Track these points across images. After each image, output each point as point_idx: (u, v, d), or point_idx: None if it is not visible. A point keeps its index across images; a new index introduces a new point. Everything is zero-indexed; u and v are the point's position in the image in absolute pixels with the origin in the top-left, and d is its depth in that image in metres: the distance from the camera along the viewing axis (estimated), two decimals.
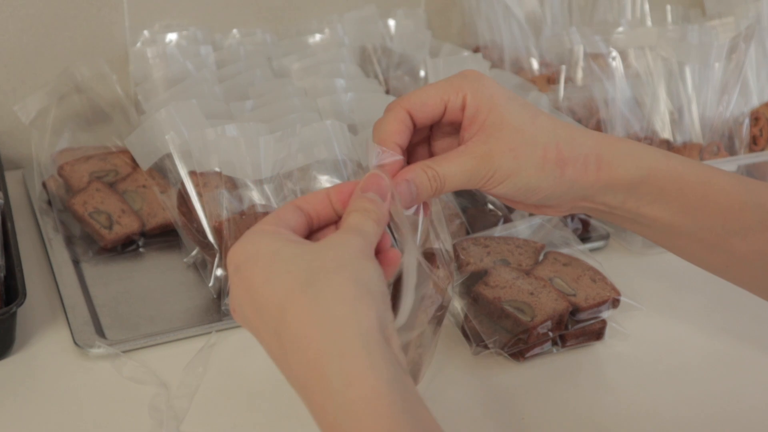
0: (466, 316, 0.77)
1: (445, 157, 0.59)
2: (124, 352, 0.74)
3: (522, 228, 0.88)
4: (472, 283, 0.79)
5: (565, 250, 0.85)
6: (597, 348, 0.78)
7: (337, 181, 0.85)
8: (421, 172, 0.58)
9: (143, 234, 0.92)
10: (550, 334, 0.75)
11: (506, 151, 0.58)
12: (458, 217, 0.90)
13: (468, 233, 0.90)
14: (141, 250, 0.91)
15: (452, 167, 0.58)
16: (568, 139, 0.60)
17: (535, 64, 1.19)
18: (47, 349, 0.75)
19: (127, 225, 0.90)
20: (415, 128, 0.60)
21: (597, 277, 0.81)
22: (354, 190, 0.55)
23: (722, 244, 0.61)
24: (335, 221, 0.56)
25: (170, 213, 0.88)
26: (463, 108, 0.59)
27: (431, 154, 0.63)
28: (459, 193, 0.95)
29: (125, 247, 0.91)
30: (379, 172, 0.56)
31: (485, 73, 1.04)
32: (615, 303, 0.79)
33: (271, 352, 0.48)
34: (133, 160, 0.93)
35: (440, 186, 0.58)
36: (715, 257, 0.63)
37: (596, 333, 0.78)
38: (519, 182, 0.58)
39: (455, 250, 0.83)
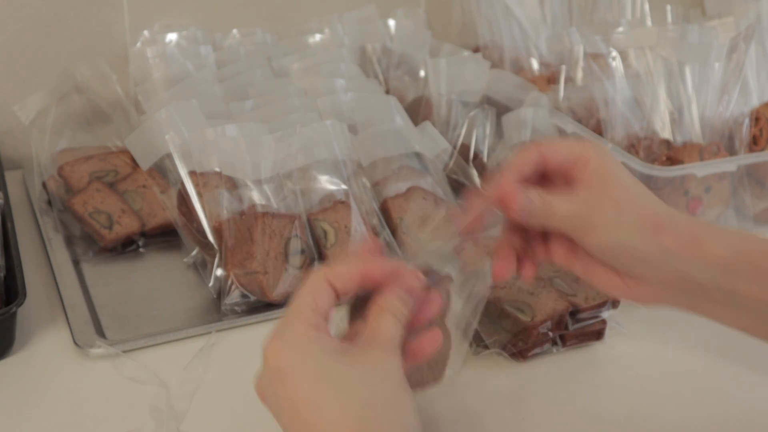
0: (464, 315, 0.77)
1: (553, 193, 0.61)
2: (124, 352, 0.74)
3: None
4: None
5: None
6: (597, 348, 0.78)
7: (337, 181, 0.85)
8: (534, 191, 0.61)
9: (143, 234, 0.92)
10: (550, 334, 0.75)
11: (609, 200, 0.60)
12: None
13: None
14: (141, 250, 0.91)
15: (560, 199, 0.60)
16: (668, 211, 0.61)
17: (535, 64, 1.19)
18: (47, 349, 0.75)
19: (127, 225, 0.91)
20: (544, 170, 0.62)
21: None
22: (384, 269, 0.57)
23: None
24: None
25: (170, 213, 0.88)
26: (585, 166, 0.61)
27: (548, 253, 0.65)
28: (458, 193, 0.95)
29: (125, 247, 0.91)
30: (418, 274, 0.58)
31: (485, 73, 1.05)
32: (615, 303, 0.79)
33: None
34: (133, 160, 0.93)
35: (547, 209, 0.60)
36: None
37: (596, 333, 0.78)
38: (616, 235, 0.59)
39: (455, 250, 0.83)
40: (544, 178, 0.63)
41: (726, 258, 0.59)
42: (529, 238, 0.65)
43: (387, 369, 0.53)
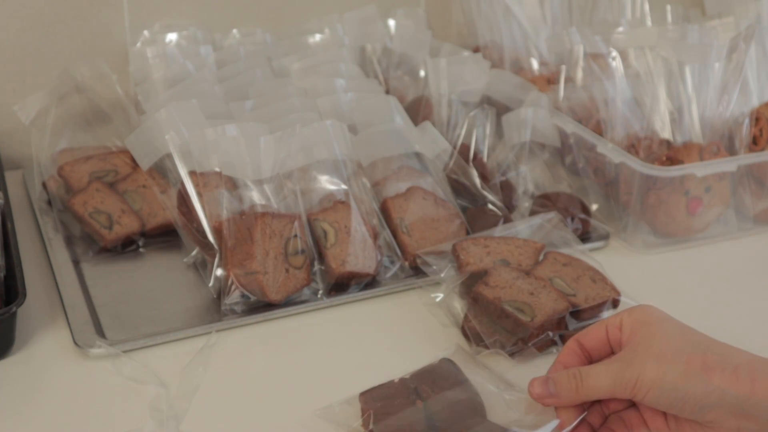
0: (465, 316, 0.77)
1: (593, 365, 0.63)
2: (124, 352, 0.74)
3: (522, 228, 0.88)
4: (472, 284, 0.79)
5: (565, 250, 0.85)
6: None
7: (337, 181, 0.85)
8: (563, 371, 0.63)
9: (143, 234, 0.92)
10: (550, 334, 0.75)
11: (649, 357, 0.59)
12: (458, 217, 0.90)
13: (468, 233, 0.90)
14: (141, 250, 0.91)
15: (596, 369, 0.61)
16: (719, 351, 0.60)
17: (535, 64, 1.19)
18: (47, 349, 0.75)
19: (127, 225, 0.91)
20: (589, 354, 0.65)
21: (597, 277, 0.81)
22: None
23: None
24: None
25: (170, 213, 0.88)
26: (620, 328, 0.63)
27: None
28: (459, 193, 0.95)
29: (125, 247, 0.91)
30: None
31: (485, 73, 1.05)
32: (615, 303, 0.79)
33: None
34: (133, 160, 0.93)
35: (578, 383, 0.61)
36: None
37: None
38: (665, 388, 0.58)
39: (455, 250, 0.83)
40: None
41: None
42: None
43: None
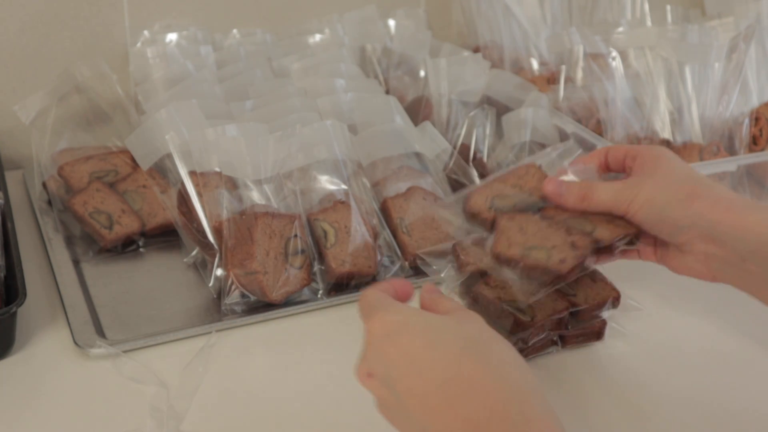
0: None
1: (600, 182, 0.71)
2: (124, 352, 0.74)
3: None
4: (473, 283, 0.79)
5: None
6: (597, 348, 0.78)
7: (337, 181, 0.85)
8: (577, 183, 0.71)
9: (143, 234, 0.92)
10: (551, 334, 0.75)
11: (647, 182, 0.67)
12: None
13: (468, 233, 0.89)
14: (141, 250, 0.91)
15: (602, 185, 0.69)
16: (709, 185, 0.66)
17: (535, 64, 1.19)
18: (47, 349, 0.75)
19: (128, 225, 0.91)
20: (607, 165, 0.73)
21: (597, 276, 0.81)
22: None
23: None
24: None
25: (170, 213, 0.88)
26: (634, 159, 0.70)
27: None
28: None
29: (125, 247, 0.91)
30: (431, 287, 0.62)
31: (484, 73, 1.05)
32: (615, 303, 0.79)
33: (428, 403, 0.51)
34: (134, 160, 0.93)
35: (586, 193, 0.69)
36: None
37: (596, 333, 0.78)
38: (653, 208, 0.66)
39: (455, 250, 0.83)
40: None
41: (761, 229, 0.62)
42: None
43: (473, 316, 0.57)
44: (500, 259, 0.69)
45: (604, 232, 0.70)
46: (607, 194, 0.69)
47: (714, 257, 0.66)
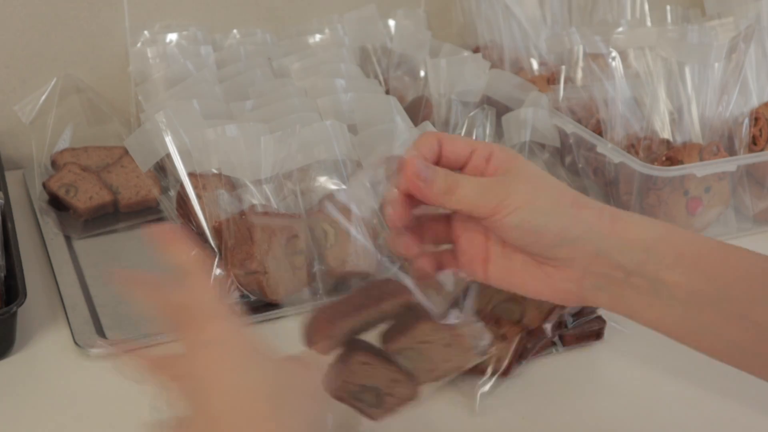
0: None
1: (463, 174, 0.60)
2: (124, 352, 0.74)
3: None
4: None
5: None
6: (597, 348, 0.78)
7: (337, 181, 0.85)
8: (442, 170, 0.58)
9: (118, 209, 0.96)
10: (549, 335, 0.75)
11: (522, 182, 0.58)
12: None
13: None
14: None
15: (467, 179, 0.58)
16: (585, 196, 0.59)
17: (535, 64, 1.19)
18: (47, 349, 0.75)
19: (102, 197, 0.95)
20: (440, 160, 0.60)
21: None
22: None
23: (749, 313, 0.55)
24: None
25: (168, 213, 0.88)
26: (488, 159, 0.59)
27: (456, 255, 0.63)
28: None
29: (103, 224, 0.94)
30: None
31: (484, 73, 1.05)
32: None
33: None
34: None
35: (452, 185, 0.57)
36: (741, 331, 0.56)
37: (596, 333, 0.78)
38: (532, 212, 0.56)
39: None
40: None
41: (649, 240, 0.57)
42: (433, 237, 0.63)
43: (306, 373, 0.55)
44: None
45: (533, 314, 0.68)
46: (473, 190, 0.57)
47: (592, 274, 0.58)
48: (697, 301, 0.56)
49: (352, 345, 0.59)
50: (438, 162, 0.60)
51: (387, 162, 0.60)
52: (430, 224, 0.62)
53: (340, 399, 0.59)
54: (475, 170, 0.60)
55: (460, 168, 0.60)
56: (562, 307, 0.71)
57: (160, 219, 0.96)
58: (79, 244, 0.91)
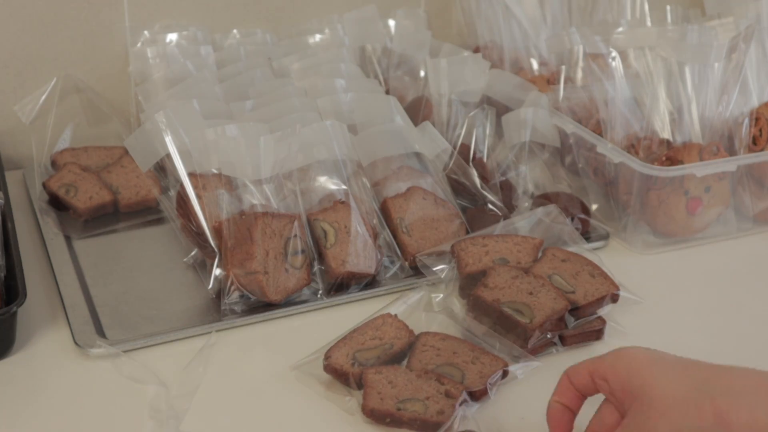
0: (466, 318, 0.77)
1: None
2: (124, 352, 0.74)
3: (521, 224, 0.88)
4: (472, 284, 0.79)
5: (564, 246, 0.86)
6: (597, 348, 0.78)
7: (337, 181, 0.85)
8: None
9: (118, 209, 0.96)
10: (549, 335, 0.75)
11: (655, 414, 0.53)
12: (458, 217, 0.90)
13: (468, 233, 0.90)
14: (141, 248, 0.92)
15: None
16: (725, 385, 0.53)
17: (535, 64, 1.19)
18: (47, 349, 0.75)
19: (102, 197, 0.95)
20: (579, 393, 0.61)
21: (596, 271, 0.81)
22: None
23: None
24: None
25: (168, 213, 0.88)
26: (607, 380, 0.58)
27: None
28: (459, 193, 0.95)
29: (105, 225, 0.95)
30: None
31: (484, 73, 1.05)
32: (614, 298, 0.79)
33: None
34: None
35: None
36: None
37: (596, 333, 0.78)
38: None
39: (454, 251, 0.83)
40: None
41: None
42: None
43: None
44: (375, 415, 0.66)
45: (474, 378, 0.69)
46: None
47: None
48: None
49: None
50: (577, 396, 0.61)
51: None
52: None
53: None
54: (605, 391, 0.59)
55: (593, 390, 0.60)
56: (505, 372, 0.71)
57: (160, 219, 0.96)
58: (79, 244, 0.91)
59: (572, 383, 0.61)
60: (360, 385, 0.69)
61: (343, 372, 0.70)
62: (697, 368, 0.55)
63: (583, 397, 0.61)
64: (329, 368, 0.70)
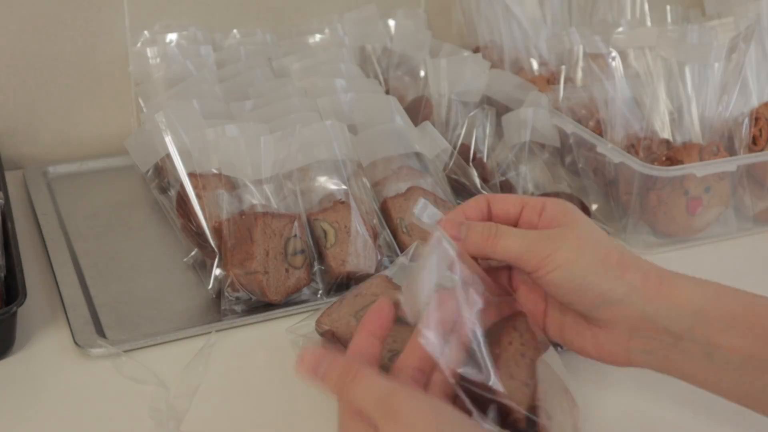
0: None
1: (509, 227, 0.59)
2: (124, 352, 0.74)
3: None
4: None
5: None
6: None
7: (337, 181, 0.85)
8: (480, 222, 0.59)
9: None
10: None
11: (570, 239, 0.57)
12: None
13: None
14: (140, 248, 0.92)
15: (512, 231, 0.58)
16: (633, 255, 0.58)
17: (535, 64, 1.19)
18: (47, 349, 0.75)
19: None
20: (491, 219, 0.61)
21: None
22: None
23: None
24: None
25: (169, 214, 0.88)
26: (540, 213, 0.59)
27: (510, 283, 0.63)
28: (459, 193, 0.95)
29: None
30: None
31: (484, 73, 1.05)
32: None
33: None
34: None
35: (492, 236, 0.58)
36: None
37: None
38: (575, 271, 0.56)
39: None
40: None
41: (698, 303, 0.56)
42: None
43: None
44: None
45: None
46: (516, 242, 0.57)
47: (639, 337, 0.57)
48: (755, 365, 0.54)
49: None
50: (489, 218, 0.61)
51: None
52: (496, 275, 0.63)
53: None
54: (527, 225, 0.60)
55: (512, 225, 0.60)
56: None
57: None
58: (79, 244, 0.91)
59: (491, 206, 0.61)
60: None
61: (339, 333, 0.69)
62: (613, 240, 0.59)
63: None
64: (329, 333, 0.69)
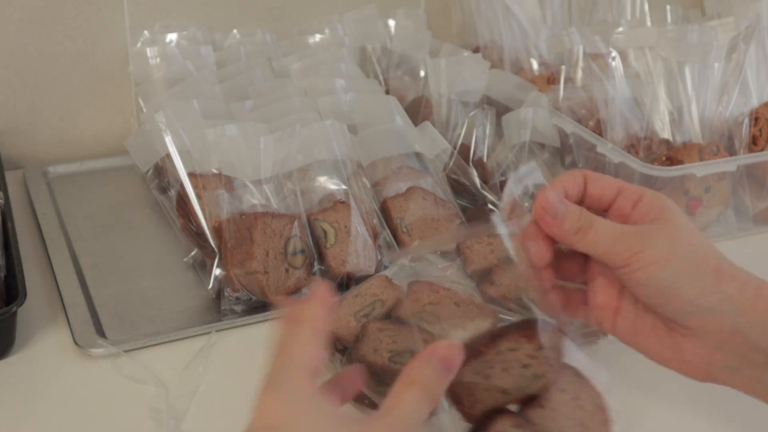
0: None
1: (601, 217, 0.55)
2: (124, 352, 0.74)
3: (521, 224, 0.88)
4: (478, 282, 0.79)
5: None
6: (598, 347, 0.78)
7: (336, 181, 0.85)
8: (578, 207, 0.55)
9: None
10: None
11: (663, 237, 0.52)
12: (458, 217, 0.90)
13: None
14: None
15: (604, 222, 0.54)
16: (730, 263, 0.54)
17: (535, 64, 1.19)
18: (47, 349, 0.75)
19: None
20: (584, 199, 0.57)
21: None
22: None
23: None
24: None
25: (169, 214, 0.88)
26: (635, 204, 0.55)
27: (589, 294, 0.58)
28: (459, 193, 0.95)
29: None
30: (456, 346, 0.49)
31: (484, 73, 1.05)
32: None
33: None
34: None
35: (584, 225, 0.53)
36: None
37: (596, 333, 0.78)
38: (665, 272, 0.51)
39: (459, 249, 0.83)
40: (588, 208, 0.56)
41: None
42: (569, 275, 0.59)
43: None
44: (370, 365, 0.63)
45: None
46: (607, 235, 0.53)
47: (728, 353, 0.52)
48: None
49: None
50: (581, 201, 0.56)
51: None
52: (567, 259, 0.58)
53: None
54: (618, 213, 0.55)
55: (604, 210, 0.56)
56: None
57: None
58: (79, 244, 0.91)
59: (588, 183, 0.56)
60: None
61: (342, 336, 0.69)
62: (713, 245, 0.55)
63: (579, 200, 0.56)
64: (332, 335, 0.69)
